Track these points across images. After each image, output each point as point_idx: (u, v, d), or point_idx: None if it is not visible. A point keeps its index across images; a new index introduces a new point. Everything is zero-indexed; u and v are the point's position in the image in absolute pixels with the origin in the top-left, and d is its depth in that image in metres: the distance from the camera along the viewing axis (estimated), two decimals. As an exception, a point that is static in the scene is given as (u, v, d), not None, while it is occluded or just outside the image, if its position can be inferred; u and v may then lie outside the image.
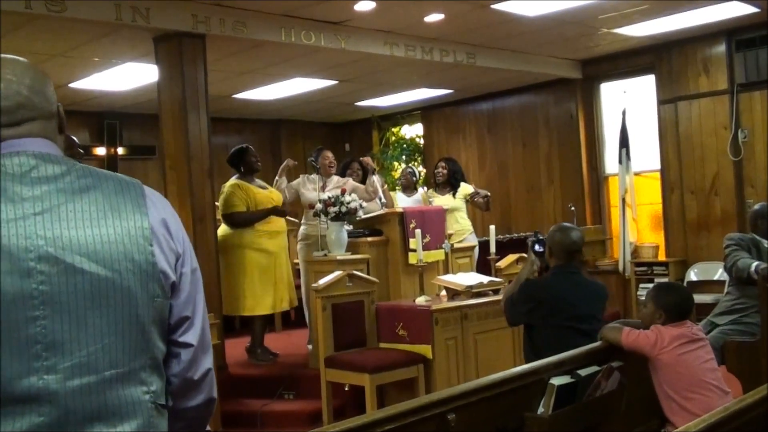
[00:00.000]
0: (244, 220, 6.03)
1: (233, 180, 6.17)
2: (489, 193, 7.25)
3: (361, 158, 6.70)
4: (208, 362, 1.54)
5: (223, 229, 6.18)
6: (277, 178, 6.34)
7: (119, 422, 1.35)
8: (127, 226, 1.41)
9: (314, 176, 6.35)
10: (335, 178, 6.34)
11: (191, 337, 1.50)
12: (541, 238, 4.02)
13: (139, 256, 1.40)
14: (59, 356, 1.31)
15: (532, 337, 3.82)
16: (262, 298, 6.04)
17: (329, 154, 6.35)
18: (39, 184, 1.37)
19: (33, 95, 1.47)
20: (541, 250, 3.98)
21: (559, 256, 3.82)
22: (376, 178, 6.41)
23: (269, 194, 6.20)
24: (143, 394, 1.40)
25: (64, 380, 1.31)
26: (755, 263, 4.60)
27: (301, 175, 6.53)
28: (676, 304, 3.36)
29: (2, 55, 1.50)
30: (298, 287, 6.50)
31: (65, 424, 1.30)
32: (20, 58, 1.52)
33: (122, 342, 1.37)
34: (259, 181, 6.28)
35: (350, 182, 6.35)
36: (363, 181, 6.71)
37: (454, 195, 7.10)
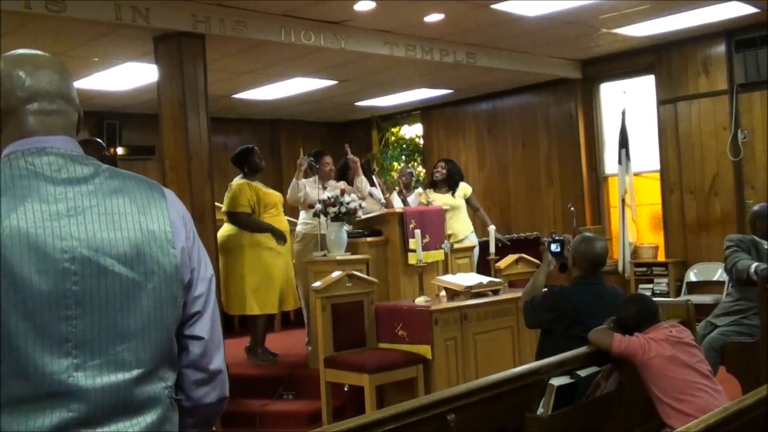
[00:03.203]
0: (247, 224, 6.02)
1: (241, 179, 6.16)
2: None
3: (348, 156, 6.58)
4: (219, 360, 1.57)
5: (228, 228, 6.16)
6: (296, 180, 6.24)
7: (140, 415, 1.40)
8: (153, 229, 1.45)
9: (312, 179, 6.35)
10: (333, 184, 6.31)
11: (199, 329, 1.53)
12: (557, 238, 4.03)
13: (163, 259, 1.45)
14: (88, 355, 1.36)
15: (548, 343, 3.81)
16: (269, 297, 6.03)
17: (329, 160, 6.34)
18: (70, 186, 1.41)
19: (62, 91, 1.51)
20: (558, 250, 3.99)
21: (582, 267, 3.82)
22: (363, 180, 6.37)
23: (273, 195, 6.23)
24: (163, 390, 1.45)
25: (93, 378, 1.35)
26: (755, 264, 4.60)
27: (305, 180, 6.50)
28: (630, 315, 3.44)
29: (34, 53, 1.53)
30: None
31: (92, 418, 1.35)
32: (46, 56, 1.55)
33: (148, 342, 1.42)
34: (259, 183, 6.29)
35: (345, 186, 6.32)
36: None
37: (453, 194, 7.10)
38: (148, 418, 1.41)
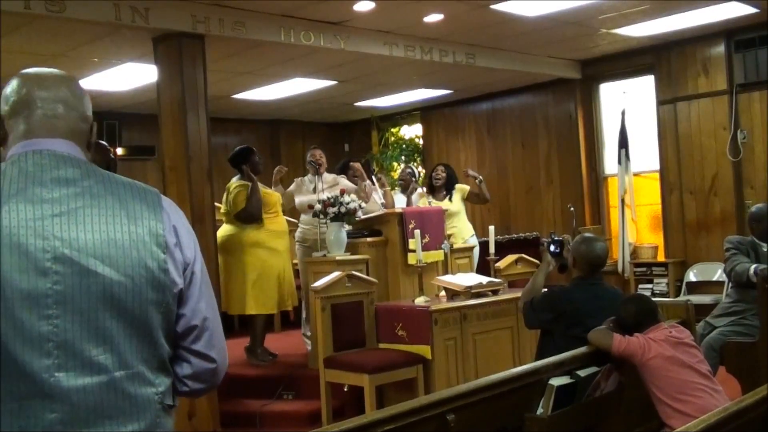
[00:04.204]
0: (252, 210, 5.95)
1: (238, 181, 6.13)
2: (481, 177, 7.16)
3: (351, 163, 6.64)
4: (220, 378, 1.60)
5: (228, 228, 6.15)
6: (273, 189, 6.28)
7: (128, 421, 1.40)
8: (141, 232, 1.45)
9: (308, 177, 6.37)
10: (328, 177, 6.30)
11: (204, 346, 1.54)
12: (556, 238, 4.02)
13: (151, 263, 1.44)
14: (70, 355, 1.35)
15: (548, 343, 3.80)
16: (268, 297, 6.02)
17: (314, 153, 6.29)
18: (58, 186, 1.42)
19: (67, 100, 1.53)
20: (558, 250, 3.99)
21: (582, 268, 3.81)
22: (368, 184, 6.38)
23: (271, 195, 6.22)
24: (153, 395, 1.44)
25: (75, 378, 1.35)
26: (753, 266, 4.60)
27: (295, 180, 6.52)
28: (630, 315, 3.44)
29: (48, 70, 1.57)
30: (298, 287, 6.51)
31: (76, 421, 1.34)
32: (60, 73, 1.58)
33: (132, 344, 1.42)
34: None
35: (343, 181, 6.32)
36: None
37: (450, 198, 7.08)
38: (137, 424, 1.40)
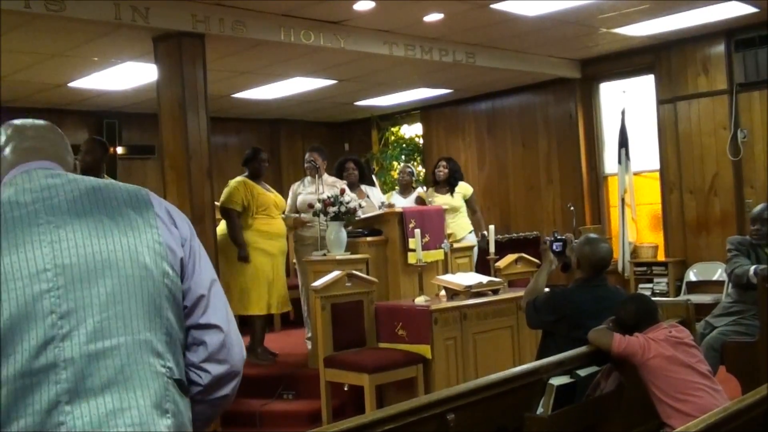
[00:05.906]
0: (232, 224, 6.02)
1: (241, 177, 6.20)
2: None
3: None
4: (239, 357, 1.59)
5: (222, 227, 6.17)
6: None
7: (135, 390, 1.41)
8: (136, 217, 1.52)
9: (307, 179, 6.38)
10: (328, 179, 6.30)
11: (213, 317, 1.56)
12: (559, 237, 4.02)
13: (146, 231, 1.51)
14: (74, 323, 1.39)
15: (549, 344, 3.79)
16: (257, 298, 6.03)
17: (312, 154, 6.28)
18: (46, 180, 1.51)
19: (51, 142, 1.67)
20: (560, 249, 3.98)
21: (586, 270, 3.80)
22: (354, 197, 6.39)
23: (274, 198, 6.23)
24: (160, 367, 1.45)
25: (79, 346, 1.38)
26: (753, 267, 4.60)
27: (292, 187, 6.53)
28: (630, 315, 3.43)
29: (35, 122, 1.70)
30: (294, 287, 6.51)
31: (83, 390, 1.36)
32: (45, 122, 1.73)
33: (134, 309, 1.44)
34: (266, 185, 6.31)
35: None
36: (360, 180, 6.70)
37: (452, 194, 7.09)
38: (146, 394, 1.41)
